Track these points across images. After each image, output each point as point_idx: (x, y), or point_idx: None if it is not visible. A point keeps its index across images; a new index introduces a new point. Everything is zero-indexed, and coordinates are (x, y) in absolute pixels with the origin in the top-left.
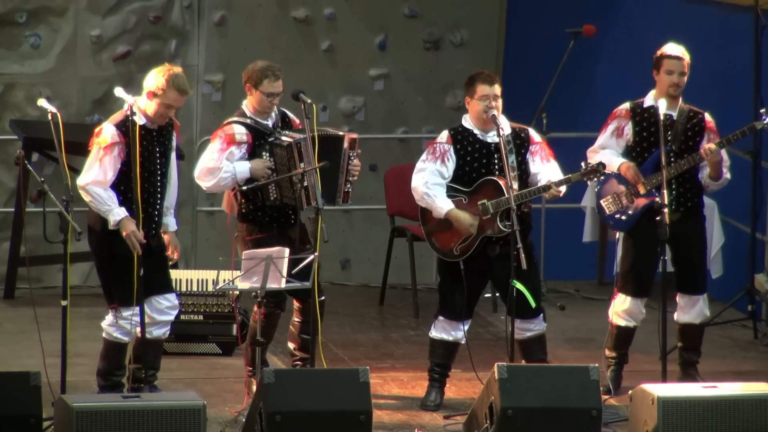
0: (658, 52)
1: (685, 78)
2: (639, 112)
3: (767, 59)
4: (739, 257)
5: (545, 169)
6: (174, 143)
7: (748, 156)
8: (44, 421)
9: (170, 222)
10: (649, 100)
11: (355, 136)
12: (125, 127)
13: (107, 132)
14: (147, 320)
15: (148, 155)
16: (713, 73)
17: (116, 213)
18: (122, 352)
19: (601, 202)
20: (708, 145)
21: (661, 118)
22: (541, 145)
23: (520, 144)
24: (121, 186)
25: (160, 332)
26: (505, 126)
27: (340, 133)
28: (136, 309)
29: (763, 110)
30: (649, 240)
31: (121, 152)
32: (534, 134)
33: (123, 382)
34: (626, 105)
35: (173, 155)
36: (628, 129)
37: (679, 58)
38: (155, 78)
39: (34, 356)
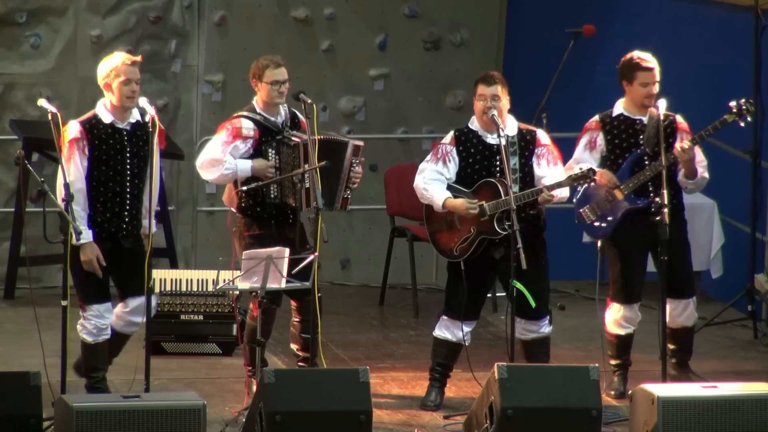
0: (629, 62)
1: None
2: (609, 121)
3: (767, 59)
4: (739, 257)
5: (551, 173)
6: (155, 146)
7: (748, 156)
8: (44, 421)
9: (144, 224)
10: (618, 109)
11: (360, 143)
12: (89, 125)
13: (72, 128)
14: (117, 320)
15: (115, 154)
16: (713, 73)
17: (84, 236)
18: (91, 352)
19: (581, 211)
20: (681, 144)
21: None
22: (548, 148)
23: (525, 146)
24: (91, 184)
25: (128, 330)
26: (512, 127)
27: (345, 140)
28: (98, 309)
29: (732, 103)
30: (632, 244)
31: (84, 149)
32: (542, 136)
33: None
34: (596, 117)
35: (155, 158)
36: (600, 140)
37: (651, 69)
38: (101, 69)
39: (34, 356)
